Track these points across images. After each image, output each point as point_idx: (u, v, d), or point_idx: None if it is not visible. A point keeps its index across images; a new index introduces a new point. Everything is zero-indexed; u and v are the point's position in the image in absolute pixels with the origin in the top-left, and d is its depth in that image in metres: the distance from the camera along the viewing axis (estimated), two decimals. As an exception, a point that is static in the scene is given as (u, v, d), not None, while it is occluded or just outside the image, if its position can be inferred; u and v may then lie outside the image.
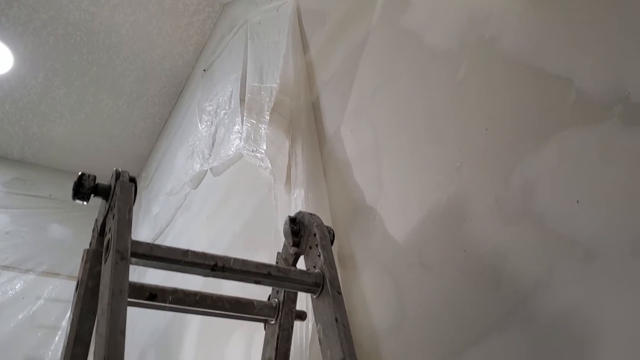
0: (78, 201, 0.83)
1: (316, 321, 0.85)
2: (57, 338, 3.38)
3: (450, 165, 1.11)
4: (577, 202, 0.84)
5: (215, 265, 0.79)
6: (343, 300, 0.84)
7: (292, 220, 0.97)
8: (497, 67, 1.06)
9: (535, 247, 0.88)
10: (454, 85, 1.16)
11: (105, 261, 0.72)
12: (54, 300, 3.46)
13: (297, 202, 1.52)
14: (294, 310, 0.97)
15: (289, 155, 1.66)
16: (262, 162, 1.76)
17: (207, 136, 2.59)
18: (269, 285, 0.86)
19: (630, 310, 0.72)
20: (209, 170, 2.52)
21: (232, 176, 2.27)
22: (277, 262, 0.99)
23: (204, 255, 0.80)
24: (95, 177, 0.84)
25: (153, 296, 0.86)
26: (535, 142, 0.93)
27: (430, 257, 1.11)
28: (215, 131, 2.51)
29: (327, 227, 0.97)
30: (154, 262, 0.77)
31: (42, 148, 3.87)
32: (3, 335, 3.19)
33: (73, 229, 3.79)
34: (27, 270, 3.50)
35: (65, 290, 3.47)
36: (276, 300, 0.97)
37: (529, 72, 0.99)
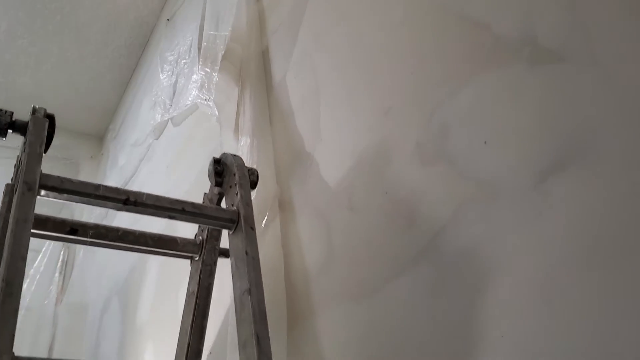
0: (-4, 137, 0.84)
1: (231, 256, 0.88)
2: (25, 285, 3.40)
3: (380, 110, 1.12)
4: (485, 143, 0.86)
5: (127, 199, 0.81)
6: (255, 236, 0.86)
7: (217, 162, 0.98)
8: (428, 13, 1.07)
9: (446, 187, 0.91)
10: (390, 30, 1.17)
11: (15, 192, 0.74)
12: (21, 250, 3.47)
13: (243, 150, 1.54)
14: (217, 247, 0.99)
15: (238, 103, 1.67)
16: (212, 110, 1.76)
17: (168, 86, 2.58)
18: (184, 220, 0.88)
19: (525, 242, 0.75)
20: (169, 120, 2.51)
21: (190, 126, 2.27)
22: (203, 202, 1.01)
23: (116, 189, 0.82)
24: (12, 113, 0.84)
25: (74, 230, 0.88)
26: (454, 86, 0.95)
27: (358, 201, 1.14)
28: (176, 81, 2.50)
29: (251, 169, 0.99)
30: (65, 195, 0.78)
31: (9, 98, 3.80)
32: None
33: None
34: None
35: (32, 240, 3.47)
36: (200, 237, 1.00)
37: (454, 18, 1.00)
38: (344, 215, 1.17)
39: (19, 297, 0.63)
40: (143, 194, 0.82)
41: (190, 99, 2.18)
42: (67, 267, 3.57)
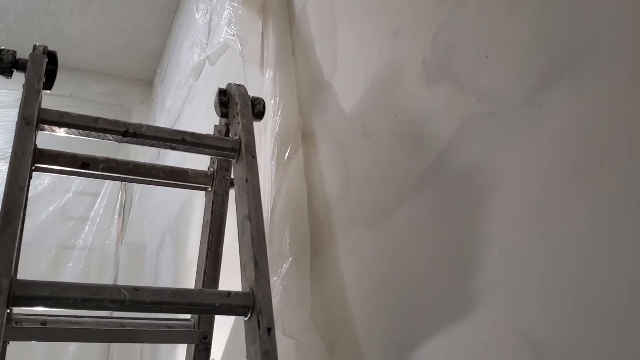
0: (1, 76, 0.87)
1: (234, 184, 0.89)
2: (86, 227, 3.61)
3: (389, 31, 1.09)
4: (486, 57, 0.82)
5: (127, 131, 0.82)
6: (256, 163, 0.87)
7: (222, 92, 0.98)
8: None
9: (450, 105, 0.89)
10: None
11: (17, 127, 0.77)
12: (82, 193, 3.66)
13: (267, 83, 1.53)
14: (227, 177, 1.01)
15: (262, 36, 1.65)
16: (236, 44, 1.75)
17: (203, 25, 2.57)
18: (185, 150, 0.89)
19: (521, 156, 0.73)
20: (206, 59, 2.52)
21: (225, 63, 2.28)
22: (213, 133, 1.02)
23: (115, 122, 0.83)
24: (15, 52, 0.86)
25: (85, 165, 0.92)
26: (457, 1, 0.90)
27: (371, 126, 1.12)
28: (210, 19, 2.49)
29: (257, 98, 0.98)
30: (64, 129, 0.81)
31: (59, 47, 3.86)
32: (37, 226, 3.43)
33: (96, 126, 3.91)
34: (56, 167, 3.67)
35: (91, 183, 3.65)
36: (211, 169, 1.02)
37: None
38: (359, 142, 1.16)
39: (18, 225, 0.67)
40: (142, 125, 0.84)
41: (222, 36, 2.17)
42: (125, 208, 3.74)
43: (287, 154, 1.39)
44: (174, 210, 2.86)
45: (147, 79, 4.27)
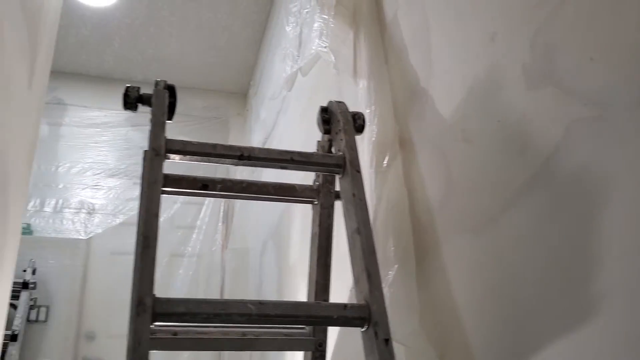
0: (128, 110, 0.96)
1: (341, 198, 0.93)
2: (194, 235, 3.82)
3: (486, 37, 1.09)
4: (591, 59, 0.81)
5: (242, 155, 0.89)
6: (361, 178, 0.90)
7: (324, 110, 1.03)
8: None
9: (554, 109, 0.88)
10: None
11: (145, 158, 0.85)
12: (188, 203, 3.87)
13: (362, 93, 1.56)
14: (332, 190, 1.05)
15: (354, 47, 1.69)
16: (329, 56, 1.80)
17: (294, 37, 2.65)
18: (294, 169, 0.94)
19: (634, 161, 0.71)
20: (298, 71, 2.60)
21: (317, 74, 2.34)
22: (317, 149, 1.07)
23: (230, 147, 0.90)
24: (139, 88, 0.95)
25: (205, 186, 0.99)
26: (555, 4, 0.89)
27: (471, 131, 1.13)
28: (301, 31, 2.56)
29: (357, 113, 1.02)
30: (188, 156, 0.88)
31: (160, 68, 4.17)
32: (149, 236, 3.67)
33: (197, 140, 4.13)
34: (163, 180, 3.92)
35: (196, 195, 3.86)
36: (317, 183, 1.06)
37: None
38: (460, 147, 1.17)
39: (155, 248, 0.74)
40: (255, 148, 0.90)
41: (313, 47, 2.23)
42: (227, 216, 3.92)
43: (385, 162, 1.41)
44: (274, 217, 2.96)
45: (242, 92, 4.45)
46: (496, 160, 1.03)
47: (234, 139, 4.23)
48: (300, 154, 0.94)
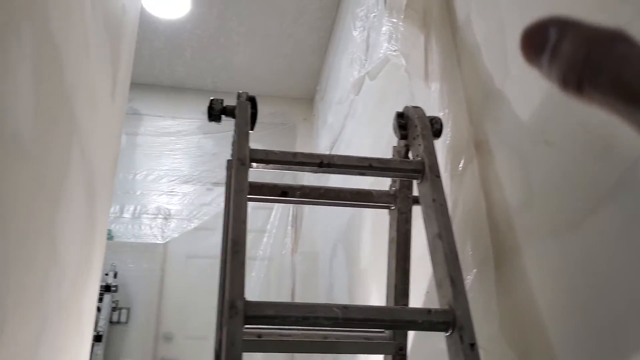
0: (213, 122, 1.01)
1: (420, 203, 0.94)
2: (264, 239, 3.90)
3: (566, 35, 1.06)
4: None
5: (321, 162, 0.91)
6: (441, 183, 0.91)
7: (400, 115, 1.04)
8: None
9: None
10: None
11: (229, 167, 0.89)
12: (258, 208, 3.96)
13: (434, 96, 1.56)
14: (409, 196, 1.06)
15: (425, 50, 1.68)
16: (400, 60, 1.80)
17: (361, 42, 2.67)
18: (372, 175, 0.95)
19: None
20: (366, 75, 2.61)
21: (385, 78, 2.35)
22: (392, 155, 1.08)
23: (310, 155, 0.92)
24: (222, 100, 1.00)
25: (285, 193, 1.02)
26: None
27: (553, 133, 1.11)
28: (368, 35, 2.58)
29: (434, 118, 1.02)
30: (271, 165, 0.91)
31: (229, 76, 4.29)
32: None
33: (266, 145, 4.23)
34: (234, 185, 4.04)
35: (266, 199, 3.95)
36: (393, 188, 1.07)
37: None
38: (540, 150, 1.14)
39: (244, 253, 0.77)
40: (334, 155, 0.92)
41: (381, 51, 2.24)
42: (297, 220, 3.98)
43: (461, 165, 1.40)
44: (343, 220, 2.98)
45: (308, 97, 4.51)
46: (579, 164, 1.01)
47: (301, 144, 4.30)
48: (379, 160, 0.95)
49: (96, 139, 1.71)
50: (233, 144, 1.06)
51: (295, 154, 0.92)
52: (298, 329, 1.03)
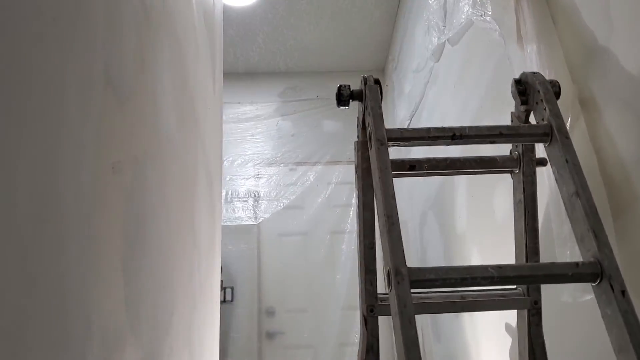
0: (342, 107, 1.09)
1: (551, 165, 0.99)
2: (351, 213, 4.00)
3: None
4: None
5: (454, 135, 0.97)
6: (571, 144, 0.95)
7: (517, 82, 1.08)
8: None
9: None
10: None
11: (371, 148, 0.97)
12: (341, 183, 4.06)
13: (531, 58, 1.58)
14: (533, 158, 1.10)
15: (516, 12, 1.69)
16: (491, 25, 1.82)
17: (438, 8, 2.68)
18: (503, 142, 1.01)
19: None
20: (446, 41, 2.62)
21: (469, 42, 2.35)
22: (511, 121, 1.13)
23: (442, 129, 0.99)
24: (349, 85, 1.08)
25: (412, 167, 1.09)
26: None
27: (669, 84, 1.12)
28: (445, 2, 2.58)
29: (552, 81, 1.06)
30: (406, 142, 0.99)
31: (301, 56, 4.38)
32: (312, 215, 3.94)
33: (342, 121, 4.30)
34: (315, 163, 4.16)
35: (347, 174, 4.04)
36: (517, 152, 1.12)
37: None
38: (655, 101, 1.16)
39: (399, 225, 0.86)
40: (465, 127, 0.98)
41: (463, 16, 2.25)
42: (381, 191, 4.05)
43: (568, 123, 1.43)
44: (432, 188, 3.03)
45: (379, 68, 4.54)
46: None
47: (377, 116, 4.34)
48: (507, 127, 1.00)
49: (208, 132, 1.84)
50: (359, 125, 1.14)
51: (428, 130, 0.99)
52: (436, 292, 1.11)
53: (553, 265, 0.88)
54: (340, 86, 1.08)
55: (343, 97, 1.07)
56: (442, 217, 2.89)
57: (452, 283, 0.83)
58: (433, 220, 3.06)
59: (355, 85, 3.77)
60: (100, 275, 0.71)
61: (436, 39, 2.71)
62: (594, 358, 1.29)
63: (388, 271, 0.84)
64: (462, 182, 2.46)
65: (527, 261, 1.10)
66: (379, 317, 1.13)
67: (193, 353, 1.34)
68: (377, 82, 1.08)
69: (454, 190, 2.60)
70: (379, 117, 0.98)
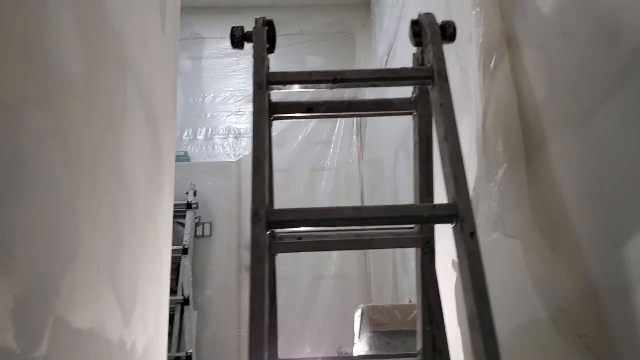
0: (236, 49, 1.09)
1: (432, 108, 1.00)
2: (330, 150, 4.02)
3: None
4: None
5: (335, 78, 0.98)
6: (449, 87, 0.95)
7: (414, 23, 1.07)
8: None
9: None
10: None
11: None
12: (322, 121, 4.05)
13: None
14: (429, 101, 1.11)
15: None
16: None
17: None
18: (385, 86, 1.01)
19: None
20: (413, -26, 2.56)
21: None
22: (413, 63, 1.12)
23: (324, 72, 0.99)
24: (242, 27, 1.07)
25: (310, 109, 1.11)
26: None
27: (569, 25, 1.11)
28: None
29: (447, 22, 1.05)
30: (288, 86, 1.00)
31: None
32: (290, 153, 3.97)
33: (326, 57, 4.24)
34: (298, 99, 4.14)
35: (330, 110, 4.03)
36: (414, 94, 1.13)
37: None
38: (559, 43, 1.15)
39: (265, 170, 0.88)
40: (347, 71, 0.98)
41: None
42: (360, 129, 4.05)
43: (492, 63, 1.42)
44: (403, 126, 3.03)
45: (365, 2, 4.43)
46: (592, 54, 1.02)
47: (361, 52, 4.27)
48: (389, 70, 1.01)
49: (151, 71, 1.84)
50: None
51: (310, 73, 0.99)
52: (334, 231, 1.14)
53: (411, 207, 0.91)
54: (232, 27, 1.08)
55: (235, 39, 1.07)
56: (409, 155, 2.90)
57: (310, 223, 0.86)
58: (403, 158, 3.08)
59: (345, 19, 3.66)
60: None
61: (404, -29, 2.64)
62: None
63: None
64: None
65: (420, 201, 1.13)
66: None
67: (119, 289, 1.39)
68: (267, 23, 1.07)
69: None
70: (260, 60, 0.98)
